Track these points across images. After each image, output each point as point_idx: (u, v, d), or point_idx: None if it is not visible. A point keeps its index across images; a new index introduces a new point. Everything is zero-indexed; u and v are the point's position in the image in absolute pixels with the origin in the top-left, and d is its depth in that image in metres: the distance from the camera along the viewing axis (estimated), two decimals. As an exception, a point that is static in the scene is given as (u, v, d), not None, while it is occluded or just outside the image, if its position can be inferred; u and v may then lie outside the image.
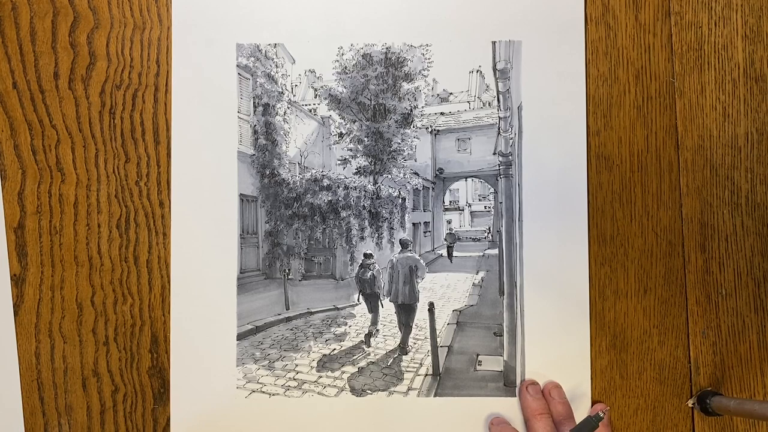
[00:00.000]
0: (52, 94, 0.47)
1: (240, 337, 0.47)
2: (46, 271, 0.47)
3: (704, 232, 0.48)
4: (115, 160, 0.47)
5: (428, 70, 0.49)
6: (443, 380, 0.48)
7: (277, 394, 0.47)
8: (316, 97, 0.51)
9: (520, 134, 0.48)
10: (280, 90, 0.50)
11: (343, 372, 0.48)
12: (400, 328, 0.51)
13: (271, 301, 0.50)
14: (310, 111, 0.52)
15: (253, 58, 0.49)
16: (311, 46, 0.49)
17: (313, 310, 0.52)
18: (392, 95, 0.51)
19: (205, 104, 0.48)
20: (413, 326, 0.50)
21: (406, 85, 0.50)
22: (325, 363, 0.49)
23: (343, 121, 0.52)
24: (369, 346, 0.50)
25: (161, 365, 0.47)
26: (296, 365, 0.48)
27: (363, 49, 0.49)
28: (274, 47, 0.49)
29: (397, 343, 0.50)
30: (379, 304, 0.52)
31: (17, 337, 0.46)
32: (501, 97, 0.50)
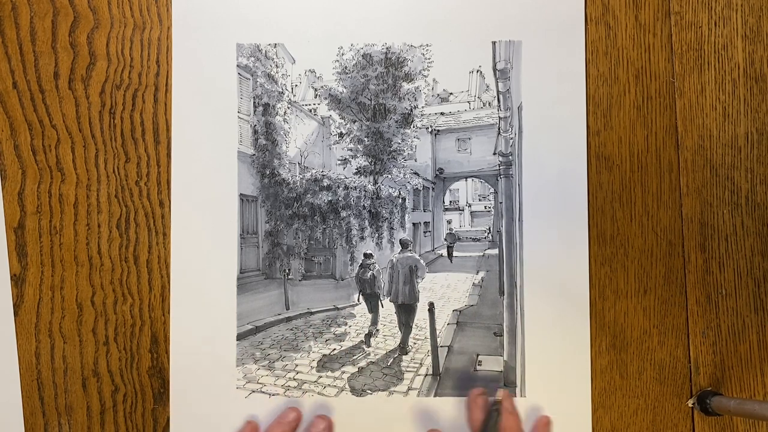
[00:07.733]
0: (52, 94, 0.47)
1: (240, 337, 0.47)
2: (46, 271, 0.47)
3: (704, 232, 0.48)
4: (115, 160, 0.47)
5: (428, 70, 0.49)
6: (443, 380, 0.48)
7: (277, 394, 0.47)
8: (316, 97, 0.51)
9: (520, 134, 0.48)
10: (280, 90, 0.50)
11: (343, 372, 0.48)
12: (400, 328, 0.51)
13: (271, 301, 0.50)
14: (310, 111, 0.52)
15: (253, 58, 0.49)
16: (311, 46, 0.49)
17: (313, 310, 0.52)
18: (392, 95, 0.51)
19: (205, 104, 0.48)
20: (413, 326, 0.50)
21: (406, 85, 0.50)
22: (325, 363, 0.49)
23: (343, 121, 0.52)
24: (369, 346, 0.50)
25: (161, 365, 0.47)
26: (296, 365, 0.48)
27: (363, 49, 0.49)
28: (274, 47, 0.49)
29: (397, 343, 0.50)
30: (379, 304, 0.52)
31: (17, 337, 0.46)
32: (501, 97, 0.50)
